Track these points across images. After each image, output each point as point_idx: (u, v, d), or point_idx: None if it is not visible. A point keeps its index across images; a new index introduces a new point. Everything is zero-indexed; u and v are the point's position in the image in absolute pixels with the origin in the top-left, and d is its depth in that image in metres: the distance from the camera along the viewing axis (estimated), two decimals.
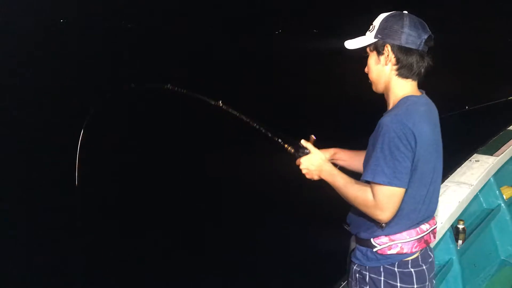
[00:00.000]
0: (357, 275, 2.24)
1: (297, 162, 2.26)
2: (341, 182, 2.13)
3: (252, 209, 6.59)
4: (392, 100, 2.16)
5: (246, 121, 2.35)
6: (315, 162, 2.21)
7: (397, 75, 2.14)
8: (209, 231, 6.16)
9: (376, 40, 2.14)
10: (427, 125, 2.07)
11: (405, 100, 2.10)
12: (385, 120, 2.02)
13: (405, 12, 2.15)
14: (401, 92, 2.15)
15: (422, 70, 2.15)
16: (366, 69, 2.24)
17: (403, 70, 2.12)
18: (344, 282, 3.00)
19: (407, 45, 2.08)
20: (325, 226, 5.40)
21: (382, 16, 2.16)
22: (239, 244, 5.80)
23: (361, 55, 2.25)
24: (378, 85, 2.21)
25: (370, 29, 2.18)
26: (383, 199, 2.01)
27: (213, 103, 2.42)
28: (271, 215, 6.36)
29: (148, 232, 6.19)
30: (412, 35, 2.08)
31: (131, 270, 5.49)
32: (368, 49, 2.19)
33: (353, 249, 2.29)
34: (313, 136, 2.27)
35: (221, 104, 2.41)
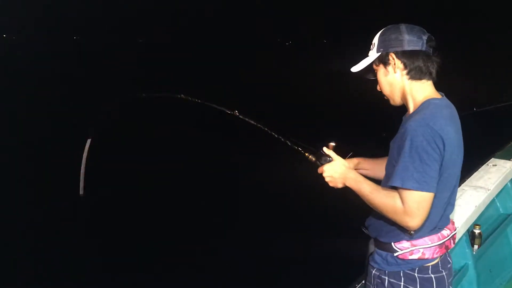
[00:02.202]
0: (376, 279, 2.23)
1: (319, 170, 2.22)
2: (367, 189, 2.10)
3: (268, 215, 6.54)
4: (413, 104, 2.15)
5: (265, 130, 2.33)
6: (339, 169, 2.17)
7: (409, 78, 2.13)
8: (226, 235, 6.12)
9: (379, 53, 2.15)
10: (452, 128, 2.05)
11: (428, 103, 2.09)
12: (412, 124, 1.99)
13: (400, 23, 2.17)
14: (420, 95, 2.13)
15: (432, 70, 2.14)
16: (378, 87, 2.24)
17: (413, 73, 2.12)
18: (358, 285, 3.00)
19: (410, 48, 2.10)
20: (339, 229, 5.41)
21: (379, 32, 2.19)
22: (253, 247, 5.77)
23: (368, 79, 2.27)
24: (395, 96, 2.19)
25: (371, 48, 2.21)
26: (413, 205, 1.97)
27: (229, 112, 2.40)
28: (285, 220, 6.32)
29: (167, 236, 6.17)
30: (412, 38, 2.10)
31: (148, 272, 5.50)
32: (374, 66, 2.20)
33: (372, 253, 2.28)
34: (332, 144, 2.25)
35: (237, 114, 2.39)
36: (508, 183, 4.23)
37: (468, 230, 3.66)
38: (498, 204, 4.24)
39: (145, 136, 9.82)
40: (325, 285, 4.71)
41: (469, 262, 3.57)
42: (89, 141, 2.79)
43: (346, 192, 2.20)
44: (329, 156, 2.21)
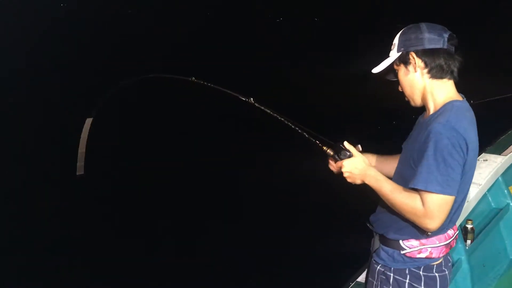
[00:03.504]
0: (381, 276, 2.22)
1: (337, 164, 2.16)
2: (387, 188, 2.06)
3: (267, 213, 6.47)
4: (433, 105, 2.11)
5: (281, 120, 2.23)
6: (359, 166, 2.11)
7: (430, 77, 2.10)
8: (227, 234, 6.05)
9: (399, 53, 2.12)
10: (473, 131, 2.05)
11: (451, 105, 2.06)
12: (437, 126, 1.97)
13: (420, 22, 2.14)
14: (441, 95, 2.11)
15: (454, 69, 2.11)
16: (399, 88, 2.21)
17: (435, 71, 2.09)
18: (353, 283, 2.99)
19: (430, 47, 2.06)
20: (339, 225, 5.38)
21: (399, 32, 2.16)
22: (253, 245, 5.74)
23: (389, 80, 2.25)
24: (415, 96, 2.16)
25: (391, 48, 2.18)
26: (434, 207, 1.95)
27: (244, 99, 2.29)
28: (283, 217, 6.27)
29: (166, 236, 6.11)
30: (432, 37, 2.07)
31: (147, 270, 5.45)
32: (395, 66, 2.17)
33: (377, 249, 2.26)
34: (359, 146, 2.19)
35: (252, 101, 2.29)
36: (500, 178, 4.25)
37: (460, 226, 3.68)
38: (489, 198, 4.26)
39: (147, 133, 9.61)
40: (324, 281, 4.68)
41: (462, 257, 3.58)
42: (89, 120, 2.69)
43: (370, 193, 2.15)
44: (349, 151, 2.14)
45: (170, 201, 6.92)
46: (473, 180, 3.90)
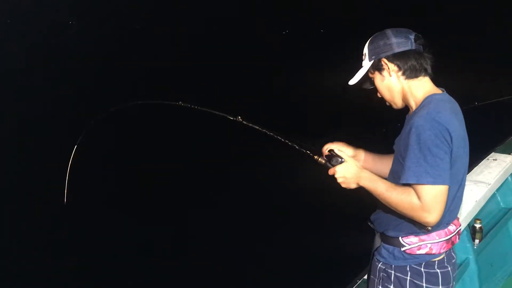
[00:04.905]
0: (382, 273, 2.23)
1: (330, 171, 2.18)
2: (382, 187, 2.08)
3: (268, 214, 6.46)
4: (414, 102, 2.16)
5: (270, 135, 2.30)
6: (352, 170, 2.14)
7: (406, 78, 2.15)
8: (227, 235, 6.07)
9: (372, 62, 2.18)
10: (456, 121, 2.07)
11: (430, 99, 2.10)
12: (418, 120, 2.00)
13: (385, 29, 2.21)
14: (420, 91, 2.15)
15: (427, 66, 2.16)
16: (378, 94, 2.25)
17: (409, 72, 2.14)
18: (359, 280, 3.01)
19: (400, 50, 2.12)
20: (341, 225, 5.38)
21: (367, 42, 2.22)
22: (253, 246, 5.74)
23: (366, 89, 2.30)
24: (395, 99, 2.20)
25: (363, 58, 2.23)
26: (430, 199, 1.96)
27: (231, 118, 2.36)
28: (285, 218, 6.26)
29: (166, 237, 6.12)
30: (400, 40, 2.13)
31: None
32: (370, 74, 2.22)
33: (378, 247, 2.27)
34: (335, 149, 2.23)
35: (240, 119, 2.35)
36: (509, 177, 4.24)
37: (469, 225, 3.68)
38: (498, 198, 4.25)
39: (146, 134, 9.65)
40: (331, 279, 4.68)
41: (470, 257, 3.58)
42: (75, 148, 2.74)
43: (366, 195, 2.16)
44: (340, 157, 2.18)
45: (170, 202, 6.95)
46: (482, 180, 3.95)
